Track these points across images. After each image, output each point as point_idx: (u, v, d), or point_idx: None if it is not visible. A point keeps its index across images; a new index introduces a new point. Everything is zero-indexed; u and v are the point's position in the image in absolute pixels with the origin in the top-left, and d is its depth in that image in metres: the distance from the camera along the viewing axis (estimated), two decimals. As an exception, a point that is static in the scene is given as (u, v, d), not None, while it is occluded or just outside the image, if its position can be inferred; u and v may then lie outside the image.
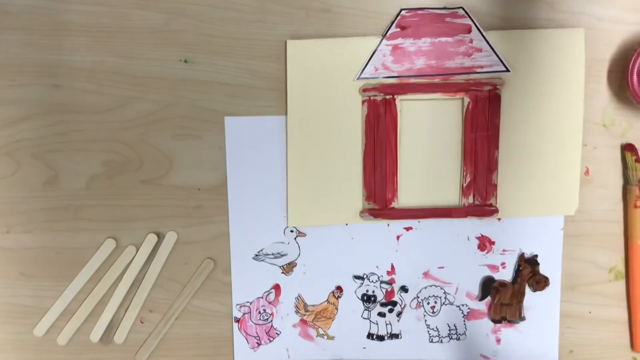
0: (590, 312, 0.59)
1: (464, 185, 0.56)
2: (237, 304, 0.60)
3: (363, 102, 0.55)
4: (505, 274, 0.58)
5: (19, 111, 0.58)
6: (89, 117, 0.58)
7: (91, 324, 0.60)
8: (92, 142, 0.58)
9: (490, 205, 0.57)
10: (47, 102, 0.58)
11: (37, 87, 0.57)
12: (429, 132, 0.56)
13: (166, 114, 0.58)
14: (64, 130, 0.58)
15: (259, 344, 0.60)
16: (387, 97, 0.55)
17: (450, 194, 0.57)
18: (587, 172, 0.57)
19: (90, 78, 0.57)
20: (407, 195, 0.57)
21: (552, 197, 0.57)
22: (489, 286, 0.58)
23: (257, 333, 0.60)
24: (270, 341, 0.60)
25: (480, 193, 0.56)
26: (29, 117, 0.58)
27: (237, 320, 0.60)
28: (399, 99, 0.55)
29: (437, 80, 0.55)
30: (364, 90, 0.55)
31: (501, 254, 0.58)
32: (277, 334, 0.60)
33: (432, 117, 0.56)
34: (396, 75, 0.55)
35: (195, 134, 0.58)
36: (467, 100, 0.55)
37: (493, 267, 0.58)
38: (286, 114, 0.56)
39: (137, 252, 0.59)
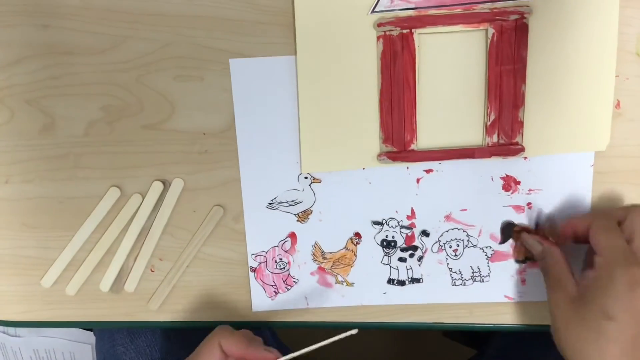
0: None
1: (488, 123, 0.59)
2: (252, 254, 0.65)
3: (378, 37, 0.58)
4: (531, 215, 0.62)
5: (8, 55, 0.61)
6: (82, 59, 0.61)
7: (100, 273, 0.66)
8: (88, 86, 0.62)
9: (516, 143, 0.60)
10: (36, 44, 0.61)
11: (25, 28, 0.60)
12: (450, 68, 0.59)
13: (164, 54, 0.60)
14: (57, 74, 0.61)
15: (276, 293, 0.66)
16: (404, 31, 0.57)
17: (473, 134, 0.60)
18: (618, 105, 0.60)
19: (80, 16, 0.60)
20: (427, 136, 0.60)
21: (582, 132, 0.60)
22: (509, 231, 0.62)
23: (274, 282, 0.66)
24: (288, 289, 0.66)
25: (505, 131, 0.59)
26: (18, 61, 0.61)
27: (253, 270, 0.65)
28: (417, 33, 0.57)
29: (458, 10, 0.57)
30: (379, 24, 0.57)
31: (527, 194, 0.62)
32: (294, 282, 0.65)
33: (453, 51, 0.59)
34: (414, 6, 0.57)
35: (197, 75, 0.61)
36: (491, 31, 0.57)
37: (518, 208, 0.62)
38: (295, 54, 0.59)
39: (142, 200, 0.64)
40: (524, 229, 0.62)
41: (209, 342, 0.56)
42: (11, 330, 1.20)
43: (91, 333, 1.13)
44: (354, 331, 0.55)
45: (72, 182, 0.64)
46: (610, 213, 0.56)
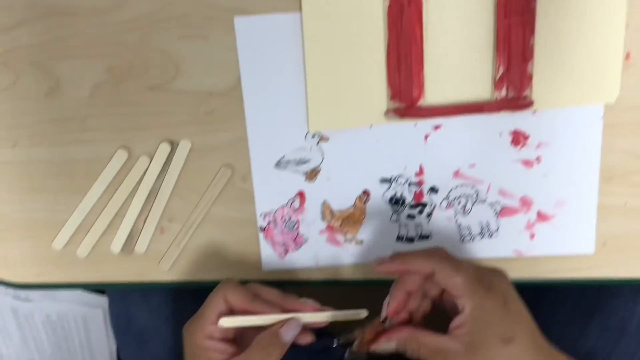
0: (625, 204, 0.64)
1: (497, 77, 0.59)
2: (261, 213, 0.65)
3: (384, -9, 0.57)
4: (540, 169, 0.62)
5: (11, 17, 0.61)
6: (86, 19, 0.61)
7: (111, 235, 0.67)
8: (92, 47, 0.61)
9: (525, 97, 0.60)
10: (40, 6, 0.60)
11: (26, -11, 0.60)
12: (458, 22, 0.59)
13: (168, 13, 0.60)
14: (61, 36, 0.61)
15: (286, 252, 0.66)
16: (411, -16, 0.57)
17: (481, 88, 0.60)
18: (628, 57, 0.59)
19: (80, -26, 0.60)
20: (434, 91, 0.60)
21: (592, 84, 0.60)
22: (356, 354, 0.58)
23: (283, 241, 0.66)
24: (298, 248, 0.66)
25: (514, 85, 0.59)
26: (22, 23, 0.61)
27: (263, 229, 0.66)
28: (423, -14, 0.57)
29: (466, -38, 0.56)
30: (385, -22, 0.56)
31: (536, 148, 0.62)
32: (304, 241, 0.66)
33: (461, 4, 0.58)
34: (420, -41, 0.56)
35: (201, 34, 0.60)
36: (499, -17, 0.57)
37: (527, 163, 0.62)
38: (300, 10, 0.58)
39: (150, 162, 0.64)
40: (365, 340, 0.57)
41: (214, 296, 0.57)
42: (22, 294, 1.21)
43: (103, 297, 1.14)
44: (363, 314, 0.57)
45: (79, 144, 0.64)
46: (440, 252, 0.55)
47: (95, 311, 1.21)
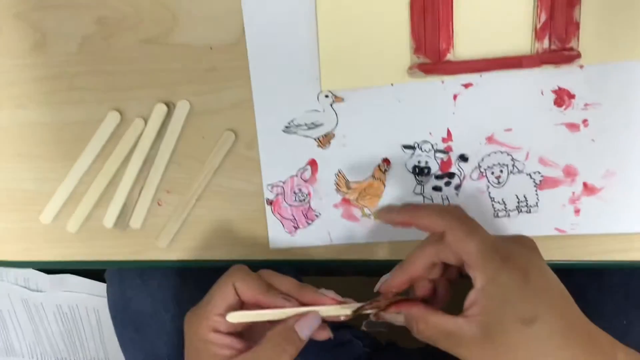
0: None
1: (538, 26, 0.53)
2: (268, 184, 0.60)
3: None
4: (587, 134, 0.56)
5: (-11, -38, 0.56)
6: (72, -36, 0.55)
7: (103, 208, 0.61)
8: (80, -4, 0.56)
9: (571, 49, 0.53)
10: (20, -51, 0.55)
11: None
12: (493, -40, 0.52)
13: (164, -46, 0.55)
14: (46, -17, 0.56)
15: (296, 228, 0.61)
16: None
17: (519, 39, 0.54)
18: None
19: None
20: (465, 43, 0.55)
21: (650, 35, 0.53)
22: (370, 323, 0.53)
23: (293, 216, 0.60)
24: (309, 224, 0.60)
25: (558, 35, 0.53)
26: (2, -31, 0.56)
27: (270, 203, 0.60)
28: None
29: None
30: None
31: (583, 109, 0.56)
32: (316, 216, 0.60)
33: (497, -61, 0.52)
34: None
35: (201, -22, 0.55)
36: None
37: (573, 126, 0.56)
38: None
39: (145, 125, 0.59)
40: (377, 308, 0.51)
41: (222, 284, 0.51)
42: (33, 284, 1.20)
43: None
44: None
45: (68, 106, 0.59)
46: (456, 210, 0.49)
47: (106, 301, 1.19)
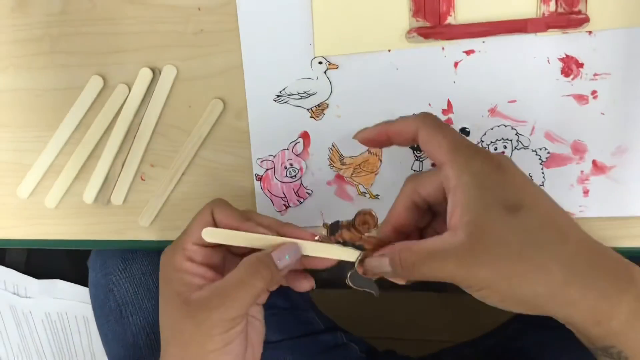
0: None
1: (544, -13, 0.51)
2: (257, 158, 0.57)
3: None
4: (597, 107, 0.52)
5: None
6: None
7: (83, 182, 0.59)
8: (63, -48, 0.55)
9: (579, 12, 0.50)
10: None
11: None
12: None
13: None
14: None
15: (286, 206, 0.57)
16: None
17: (524, 1, 0.51)
18: None
19: None
20: (467, 6, 0.52)
21: (666, -1, 0.50)
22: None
23: (284, 193, 0.57)
24: (301, 202, 0.57)
25: (565, -3, 0.51)
26: None
27: (259, 178, 0.57)
28: None
29: None
30: None
31: (592, 79, 0.52)
32: (308, 193, 0.57)
33: None
34: None
35: None
36: None
37: (581, 98, 0.53)
38: None
39: (129, 91, 0.56)
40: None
41: (201, 212, 0.49)
42: (21, 290, 1.17)
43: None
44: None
45: (49, 70, 0.57)
46: (429, 115, 0.44)
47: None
